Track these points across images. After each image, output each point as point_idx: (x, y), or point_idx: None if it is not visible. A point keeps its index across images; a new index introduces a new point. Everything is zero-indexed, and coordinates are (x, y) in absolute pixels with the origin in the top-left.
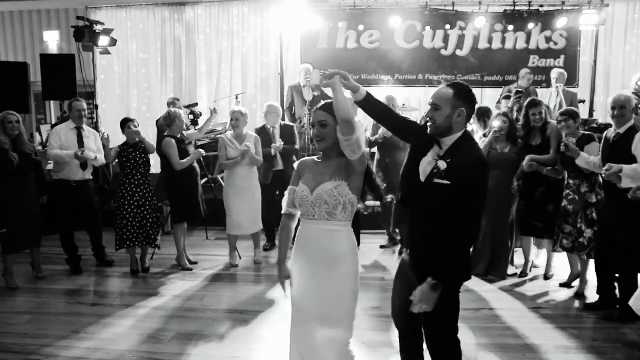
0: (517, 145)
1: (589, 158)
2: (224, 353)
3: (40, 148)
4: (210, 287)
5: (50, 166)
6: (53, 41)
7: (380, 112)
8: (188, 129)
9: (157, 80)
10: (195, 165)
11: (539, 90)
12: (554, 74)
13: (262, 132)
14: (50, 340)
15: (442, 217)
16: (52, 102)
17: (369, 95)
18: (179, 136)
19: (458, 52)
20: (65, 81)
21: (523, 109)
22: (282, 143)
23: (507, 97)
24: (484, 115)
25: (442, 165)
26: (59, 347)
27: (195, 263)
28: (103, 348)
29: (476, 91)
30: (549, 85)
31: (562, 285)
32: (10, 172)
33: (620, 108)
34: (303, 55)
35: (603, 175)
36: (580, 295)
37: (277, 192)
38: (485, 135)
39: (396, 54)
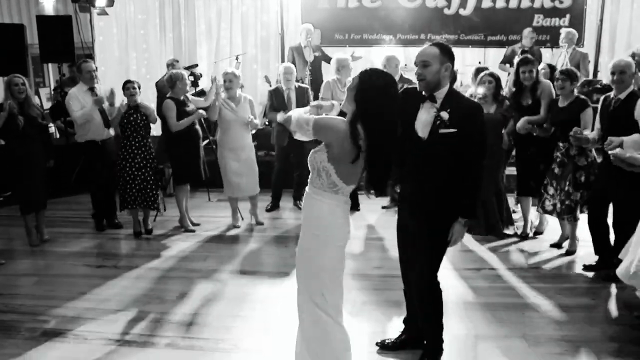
0: (503, 106)
1: (593, 136)
2: (227, 312)
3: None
4: (213, 248)
5: (51, 129)
6: (49, 2)
7: None
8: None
9: (155, 41)
10: (198, 127)
11: (545, 51)
12: (563, 32)
13: (276, 93)
14: (57, 302)
15: (450, 165)
16: (49, 65)
17: None
18: (181, 98)
19: (461, 11)
20: (62, 43)
21: (514, 66)
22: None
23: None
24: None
25: (445, 115)
26: (67, 308)
27: (198, 224)
28: (109, 308)
29: (479, 51)
30: (553, 45)
31: (552, 245)
32: (16, 136)
33: (620, 73)
34: (304, 14)
35: (606, 150)
36: (570, 252)
37: (292, 155)
38: (471, 96)
39: (398, 13)
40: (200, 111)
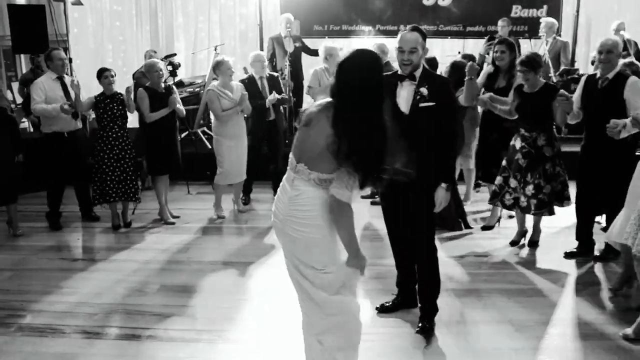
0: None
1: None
2: (211, 303)
3: (13, 106)
4: (194, 240)
5: (24, 124)
6: None
7: None
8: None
9: (132, 33)
10: (176, 119)
11: (524, 42)
12: (543, 22)
13: (251, 82)
14: (33, 296)
15: (429, 135)
16: (22, 58)
17: None
18: (160, 89)
19: (440, 2)
20: (35, 34)
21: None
22: (277, 95)
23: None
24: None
25: (425, 91)
26: (44, 302)
27: (178, 217)
28: (88, 302)
29: (458, 42)
30: (532, 36)
31: (512, 243)
32: None
33: (607, 52)
34: (282, 5)
35: (609, 133)
36: (533, 242)
37: (266, 141)
38: None
39: (377, 4)
40: (179, 107)
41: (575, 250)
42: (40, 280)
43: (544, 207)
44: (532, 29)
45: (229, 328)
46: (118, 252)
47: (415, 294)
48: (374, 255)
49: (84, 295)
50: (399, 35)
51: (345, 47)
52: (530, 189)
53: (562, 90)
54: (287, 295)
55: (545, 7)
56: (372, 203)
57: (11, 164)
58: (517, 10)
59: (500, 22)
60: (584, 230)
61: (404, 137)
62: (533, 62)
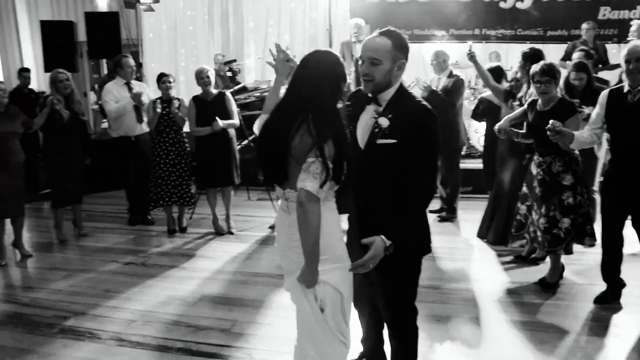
0: None
1: (581, 136)
2: (249, 319)
3: (96, 107)
4: (246, 250)
5: (105, 124)
6: (102, 0)
7: None
8: (228, 87)
9: (204, 38)
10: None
11: (611, 47)
12: (634, 25)
13: None
14: (80, 298)
15: (390, 182)
16: (104, 62)
17: None
18: (209, 97)
19: (518, 5)
20: (109, 39)
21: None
22: None
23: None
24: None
25: (384, 122)
26: (87, 305)
27: (232, 233)
28: (128, 308)
29: (538, 47)
30: (621, 40)
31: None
32: (59, 129)
33: (636, 60)
34: (352, 9)
35: None
36: (546, 284)
37: None
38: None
39: (451, 7)
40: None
41: (603, 295)
42: (90, 282)
43: (559, 244)
44: (622, 32)
45: (262, 347)
46: (167, 257)
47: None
48: None
49: (126, 300)
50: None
51: (416, 52)
52: (542, 223)
53: (552, 121)
54: None
55: (639, 7)
56: (440, 219)
57: (81, 166)
58: (605, 12)
59: (584, 25)
60: (613, 272)
61: (361, 176)
62: (555, 70)
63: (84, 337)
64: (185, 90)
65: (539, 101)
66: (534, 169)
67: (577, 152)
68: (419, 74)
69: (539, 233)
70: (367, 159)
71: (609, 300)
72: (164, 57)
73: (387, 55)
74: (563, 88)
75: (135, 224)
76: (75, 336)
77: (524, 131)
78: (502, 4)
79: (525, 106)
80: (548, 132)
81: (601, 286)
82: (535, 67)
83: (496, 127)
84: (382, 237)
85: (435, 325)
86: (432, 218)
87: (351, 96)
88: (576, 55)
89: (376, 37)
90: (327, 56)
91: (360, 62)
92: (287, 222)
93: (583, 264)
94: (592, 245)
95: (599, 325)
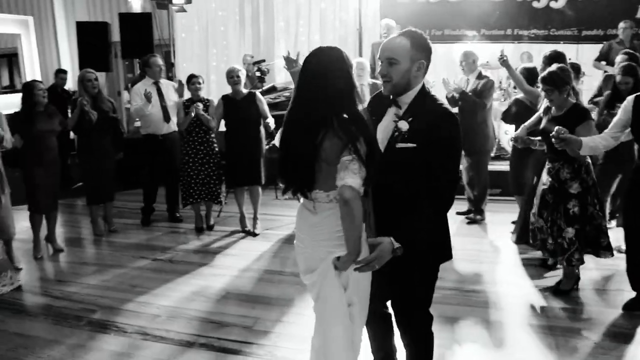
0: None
1: (592, 142)
2: (272, 316)
3: (129, 105)
4: (272, 248)
5: (137, 123)
6: (137, 1)
7: None
8: (256, 87)
9: (235, 37)
10: (259, 127)
11: None
12: None
13: None
14: (108, 292)
15: (409, 186)
16: (138, 62)
17: None
18: (239, 96)
19: (552, 4)
20: (142, 39)
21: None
22: None
23: None
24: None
25: (404, 126)
26: (115, 299)
27: (257, 234)
28: (154, 303)
29: (572, 47)
30: None
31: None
32: (88, 129)
33: None
34: (382, 10)
35: None
36: (559, 291)
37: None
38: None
39: (483, 7)
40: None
41: (632, 302)
42: (119, 277)
43: (562, 254)
44: None
45: (283, 345)
46: (194, 254)
47: None
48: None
49: (152, 296)
50: None
51: (447, 52)
52: (552, 230)
53: (557, 128)
54: None
55: None
56: (469, 221)
57: (112, 163)
58: None
59: (621, 24)
60: (639, 277)
61: (381, 180)
62: (556, 79)
63: (110, 330)
64: (216, 90)
65: (552, 108)
66: (544, 176)
67: (588, 159)
68: (449, 75)
69: (549, 240)
70: (386, 162)
71: (639, 308)
72: (196, 57)
73: (405, 55)
74: (610, 90)
75: (148, 225)
76: (102, 329)
77: (539, 138)
78: (535, 4)
79: (541, 112)
80: (552, 140)
81: (629, 293)
82: (541, 75)
83: (512, 135)
84: (392, 238)
85: (456, 327)
86: (459, 220)
87: (373, 98)
88: (619, 59)
89: (395, 38)
90: (328, 56)
91: (379, 63)
92: (311, 222)
93: (612, 269)
94: (608, 257)
95: (623, 332)
